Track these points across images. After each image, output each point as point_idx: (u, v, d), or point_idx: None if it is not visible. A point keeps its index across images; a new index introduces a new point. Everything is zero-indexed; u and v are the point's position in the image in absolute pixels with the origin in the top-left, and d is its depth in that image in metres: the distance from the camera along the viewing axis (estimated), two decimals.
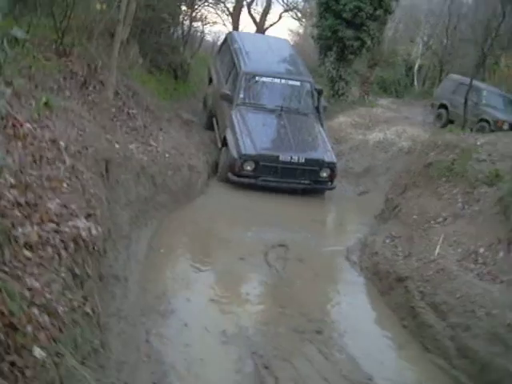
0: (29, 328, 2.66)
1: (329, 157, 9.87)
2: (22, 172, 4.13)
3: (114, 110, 8.37)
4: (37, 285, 3.00)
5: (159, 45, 13.47)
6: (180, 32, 15.74)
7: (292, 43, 16.83)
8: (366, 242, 7.47)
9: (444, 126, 15.65)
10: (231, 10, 24.49)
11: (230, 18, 24.61)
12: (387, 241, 7.16)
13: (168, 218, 7.49)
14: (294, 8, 27.54)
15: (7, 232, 3.22)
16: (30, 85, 6.74)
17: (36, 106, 5.88)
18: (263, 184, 9.38)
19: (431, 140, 9.50)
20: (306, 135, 10.37)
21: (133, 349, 4.37)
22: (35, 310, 2.81)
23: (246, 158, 9.34)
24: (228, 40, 12.58)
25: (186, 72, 14.73)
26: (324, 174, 9.77)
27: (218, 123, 11.14)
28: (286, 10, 27.15)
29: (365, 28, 16.04)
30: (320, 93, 11.09)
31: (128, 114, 8.67)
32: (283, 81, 10.90)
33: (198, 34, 18.40)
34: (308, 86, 11.07)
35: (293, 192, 9.59)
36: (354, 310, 6.05)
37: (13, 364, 2.47)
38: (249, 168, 9.37)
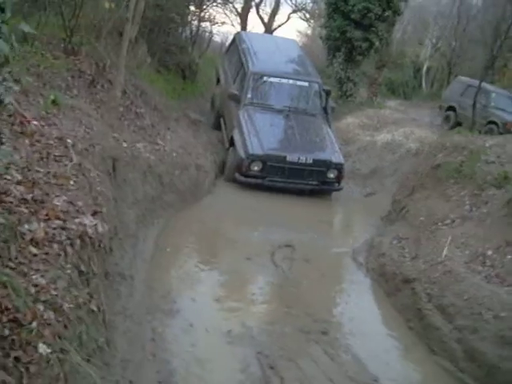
0: (34, 324, 2.66)
1: (336, 158, 9.83)
2: (29, 169, 4.15)
3: (122, 108, 8.37)
4: (42, 281, 3.01)
5: (167, 44, 13.48)
6: (188, 32, 15.75)
7: (300, 44, 16.77)
8: (373, 243, 7.44)
9: (452, 128, 15.57)
10: (239, 10, 24.50)
11: (238, 18, 24.63)
12: (394, 242, 7.13)
13: (175, 218, 7.49)
14: (303, 9, 27.52)
15: (13, 228, 3.22)
16: (38, 83, 6.77)
17: (44, 103, 5.92)
18: (270, 184, 9.36)
19: (439, 142, 9.47)
20: (314, 136, 10.32)
21: (138, 347, 4.36)
22: (40, 306, 2.81)
23: (253, 158, 9.32)
24: (236, 40, 12.57)
25: (194, 72, 14.74)
26: (331, 175, 9.73)
27: (225, 123, 11.13)
28: (294, 11, 27.17)
29: (373, 29, 16.00)
30: (328, 93, 11.06)
31: (136, 113, 8.67)
32: (291, 81, 10.87)
33: (207, 34, 18.41)
34: (316, 86, 11.04)
35: (300, 193, 9.57)
36: (360, 311, 6.02)
37: (17, 360, 2.47)
38: (256, 168, 9.35)
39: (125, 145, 7.04)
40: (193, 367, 4.39)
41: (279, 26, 27.07)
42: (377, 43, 16.42)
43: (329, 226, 9.03)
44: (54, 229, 3.55)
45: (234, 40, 12.99)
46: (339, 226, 9.73)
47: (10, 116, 4.80)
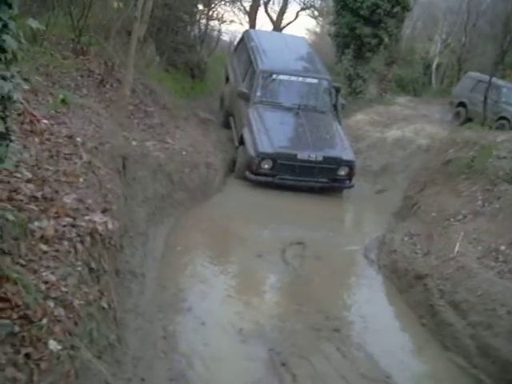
0: (44, 321, 2.65)
1: (347, 155, 9.78)
2: (38, 167, 4.15)
3: (131, 107, 8.39)
4: (52, 278, 3.00)
5: (176, 43, 13.48)
6: (197, 31, 15.75)
7: (309, 42, 16.73)
8: (385, 239, 7.39)
9: (462, 124, 15.47)
10: (248, 8, 24.45)
11: (246, 17, 24.58)
12: (406, 239, 7.08)
13: (185, 216, 7.48)
14: (311, 6, 27.43)
15: (23, 226, 3.22)
16: (47, 82, 6.80)
17: (53, 102, 5.94)
18: (281, 182, 9.32)
19: (450, 137, 9.41)
20: (324, 133, 10.26)
21: (149, 345, 4.35)
22: (51, 303, 2.81)
23: (263, 157, 9.29)
24: (245, 38, 12.54)
25: (203, 71, 14.73)
26: (342, 173, 9.68)
27: (235, 122, 11.11)
28: (302, 9, 27.04)
29: (382, 25, 15.91)
30: (338, 90, 11.01)
31: (145, 111, 8.69)
32: (300, 78, 10.81)
33: (215, 32, 18.40)
34: (326, 83, 10.99)
35: (310, 190, 9.52)
36: (371, 307, 5.98)
37: (28, 356, 2.46)
38: (266, 166, 9.31)
39: (134, 143, 7.05)
40: (205, 365, 4.37)
41: (288, 24, 26.96)
42: (386, 39, 16.34)
43: (340, 224, 8.99)
44: (64, 226, 3.55)
45: (242, 38, 12.96)
46: (350, 223, 9.68)
47: (19, 115, 4.81)
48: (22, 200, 3.52)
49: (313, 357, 4.70)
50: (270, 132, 9.61)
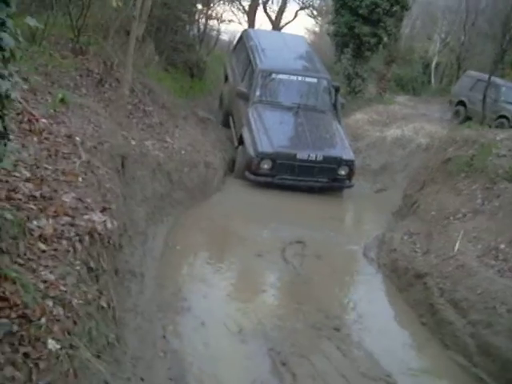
0: (43, 320, 2.64)
1: (347, 154, 9.75)
2: (37, 166, 4.14)
3: (130, 107, 8.38)
4: (51, 277, 2.99)
5: (175, 43, 13.46)
6: (196, 30, 15.73)
7: (308, 41, 16.72)
8: (384, 238, 7.38)
9: (462, 123, 15.45)
10: (247, 8, 24.45)
11: (245, 16, 24.59)
12: (405, 237, 7.07)
13: (184, 215, 7.48)
14: (310, 6, 27.41)
15: (22, 225, 3.21)
16: (46, 82, 6.79)
17: (52, 102, 5.93)
18: (280, 182, 9.30)
19: (450, 136, 9.39)
20: (324, 133, 10.23)
21: (149, 344, 4.35)
22: (49, 302, 2.80)
23: (262, 156, 9.26)
24: (244, 37, 12.51)
25: (202, 70, 14.71)
26: (342, 172, 9.66)
27: (234, 121, 11.09)
28: (301, 8, 27.03)
29: (381, 24, 15.89)
30: (337, 89, 10.99)
31: (144, 111, 8.67)
32: (300, 78, 10.78)
33: (214, 32, 18.39)
34: (325, 82, 10.96)
35: (310, 189, 9.51)
36: (371, 306, 5.98)
37: (26, 355, 2.45)
38: (266, 166, 9.28)
39: (133, 142, 7.04)
40: (204, 365, 4.36)
41: (287, 23, 26.98)
42: (385, 38, 16.32)
43: (340, 223, 8.98)
44: (63, 225, 3.54)
45: (241, 37, 12.93)
46: (350, 222, 9.67)
47: (18, 114, 4.80)
48: (20, 199, 3.51)
49: (313, 356, 4.70)
50: (270, 132, 9.58)
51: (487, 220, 6.61)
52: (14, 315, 2.58)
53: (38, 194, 3.71)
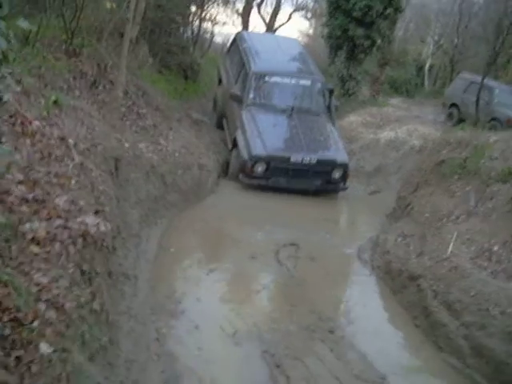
0: (35, 323, 2.63)
1: (341, 157, 9.72)
2: (30, 168, 4.12)
3: (124, 109, 8.36)
4: (44, 280, 2.98)
5: (169, 45, 13.43)
6: (190, 32, 15.73)
7: (302, 44, 16.73)
8: (378, 240, 7.39)
9: (455, 125, 15.51)
10: (241, 10, 24.47)
11: (239, 18, 24.61)
12: (399, 239, 7.08)
13: (178, 217, 7.46)
14: (304, 8, 27.49)
15: (15, 227, 3.20)
16: (39, 84, 6.75)
17: (45, 104, 5.90)
18: (274, 185, 9.28)
19: (443, 138, 9.42)
20: (318, 135, 10.18)
21: (143, 347, 4.34)
22: (42, 306, 2.79)
23: (256, 160, 9.21)
24: (237, 40, 12.48)
25: (196, 72, 14.70)
26: (336, 175, 9.62)
27: (228, 124, 11.06)
28: (295, 10, 27.12)
29: (375, 27, 15.94)
30: (331, 92, 10.98)
31: (138, 113, 8.65)
32: (293, 80, 10.72)
33: (208, 34, 18.39)
34: (319, 84, 10.94)
35: (304, 192, 9.50)
36: (365, 308, 5.98)
37: (19, 359, 2.44)
38: (260, 169, 9.22)
39: (127, 145, 7.02)
40: (198, 367, 4.36)
41: (281, 25, 27.03)
42: (379, 41, 16.37)
43: (334, 225, 8.97)
44: (56, 228, 3.53)
45: (235, 40, 12.90)
46: (344, 225, 9.66)
47: (11, 116, 4.78)
48: (13, 202, 3.49)
49: (307, 358, 4.70)
50: (264, 135, 9.53)
51: (481, 222, 6.63)
52: (6, 318, 2.57)
53: (30, 196, 3.69)
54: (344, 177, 9.73)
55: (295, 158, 9.30)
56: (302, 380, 4.40)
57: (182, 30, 15.05)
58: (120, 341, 4.05)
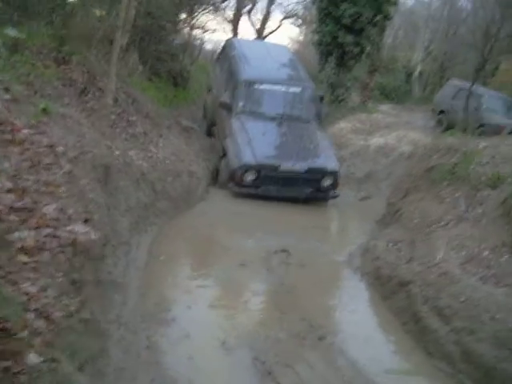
0: (24, 333, 2.61)
1: (331, 165, 9.71)
2: (18, 177, 4.10)
3: (114, 116, 8.34)
4: (33, 290, 2.96)
5: (159, 52, 13.46)
6: (180, 40, 15.75)
7: (292, 50, 16.80)
8: (368, 246, 7.40)
9: (445, 131, 15.59)
10: (231, 17, 24.53)
11: (229, 25, 24.67)
12: (389, 245, 7.09)
13: (168, 225, 7.43)
14: (294, 15, 27.60)
15: (3, 236, 3.18)
16: (28, 92, 6.72)
17: (34, 112, 5.87)
18: (265, 194, 9.26)
19: (433, 144, 9.47)
20: (308, 143, 10.15)
21: (133, 356, 4.31)
22: (31, 315, 2.77)
23: (246, 168, 9.17)
24: (227, 47, 12.50)
25: (186, 79, 14.73)
26: (326, 183, 9.60)
27: (217, 131, 11.04)
28: (285, 17, 27.23)
29: (364, 34, 16.06)
30: (321, 99, 11.01)
31: (128, 120, 8.64)
32: (283, 87, 10.70)
33: (198, 41, 18.43)
34: (309, 92, 10.93)
35: (294, 199, 9.50)
36: (355, 315, 5.98)
37: (7, 370, 2.42)
38: (249, 178, 9.19)
39: (117, 152, 7.00)
40: (189, 376, 4.34)
41: (271, 32, 27.15)
42: (368, 48, 16.51)
43: (324, 231, 8.98)
44: (45, 237, 3.51)
45: (224, 47, 12.92)
46: (334, 231, 9.68)
47: None
48: (1, 210, 3.48)
49: (297, 365, 4.68)
50: (253, 143, 9.49)
51: (470, 227, 6.65)
52: None
53: (19, 205, 3.68)
54: (334, 184, 9.72)
55: (285, 166, 9.29)
56: None
57: (171, 37, 15.07)
58: (110, 349, 4.02)
